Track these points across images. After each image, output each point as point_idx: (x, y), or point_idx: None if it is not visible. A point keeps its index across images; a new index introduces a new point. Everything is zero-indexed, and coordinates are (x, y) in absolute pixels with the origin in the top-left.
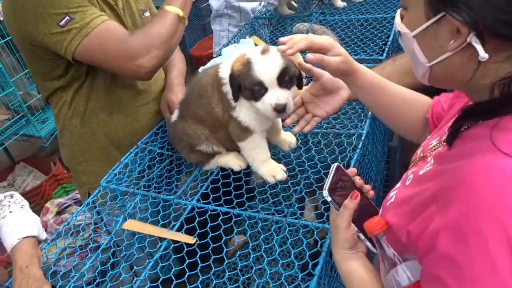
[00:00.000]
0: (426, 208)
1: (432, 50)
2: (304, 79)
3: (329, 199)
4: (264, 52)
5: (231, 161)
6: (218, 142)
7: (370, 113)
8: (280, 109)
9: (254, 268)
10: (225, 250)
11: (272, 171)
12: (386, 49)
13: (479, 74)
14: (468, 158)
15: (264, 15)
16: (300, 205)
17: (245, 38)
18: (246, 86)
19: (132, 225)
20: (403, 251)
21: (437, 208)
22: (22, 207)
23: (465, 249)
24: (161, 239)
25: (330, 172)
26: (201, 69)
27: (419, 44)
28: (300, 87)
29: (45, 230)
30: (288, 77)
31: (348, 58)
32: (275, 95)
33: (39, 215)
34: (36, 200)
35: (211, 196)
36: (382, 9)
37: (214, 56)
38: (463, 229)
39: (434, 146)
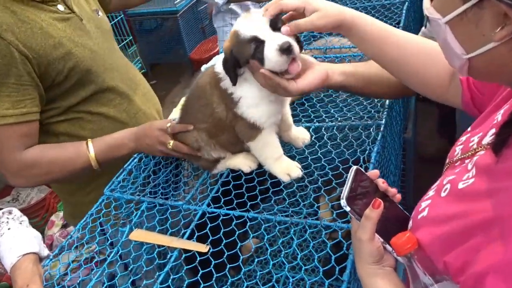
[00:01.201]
0: (469, 237)
1: (472, 39)
2: None
3: (348, 209)
4: (246, 16)
5: (240, 162)
6: (219, 147)
7: (387, 102)
8: (286, 48)
9: (274, 276)
10: (241, 257)
11: (286, 169)
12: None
13: None
14: None
15: None
16: (319, 204)
17: None
18: (244, 53)
19: (139, 235)
20: (437, 272)
21: (486, 240)
22: (21, 223)
23: None
24: (171, 249)
25: (348, 177)
26: (203, 67)
27: (453, 32)
28: (300, 46)
29: (51, 244)
30: (282, 25)
31: (330, 10)
32: (275, 38)
33: (44, 229)
34: (41, 214)
35: (222, 200)
36: None
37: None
38: None
39: (475, 147)
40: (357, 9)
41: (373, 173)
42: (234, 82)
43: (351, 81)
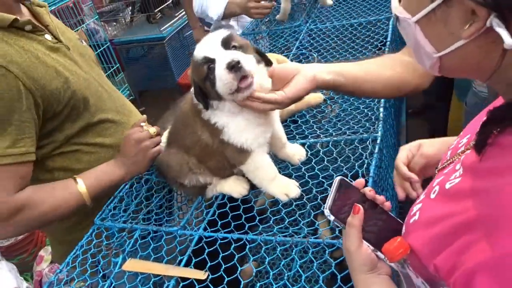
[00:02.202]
0: (456, 237)
1: (441, 37)
2: None
3: (331, 218)
4: (203, 40)
5: (231, 189)
6: (209, 172)
7: (381, 115)
8: (233, 66)
9: None
10: (242, 282)
11: (284, 188)
12: (386, 49)
13: (507, 63)
14: (509, 177)
15: (252, 31)
16: (319, 222)
17: None
18: (198, 76)
19: (133, 265)
20: (432, 279)
21: (473, 239)
22: None
23: None
24: (168, 278)
25: (331, 188)
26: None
27: (423, 31)
28: (267, 62)
29: (40, 280)
30: (236, 44)
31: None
32: (224, 57)
33: (32, 265)
34: (29, 249)
35: (219, 223)
36: (374, 12)
37: None
38: (509, 271)
39: (463, 149)
40: (343, 26)
41: (359, 182)
42: (206, 107)
43: (341, 80)
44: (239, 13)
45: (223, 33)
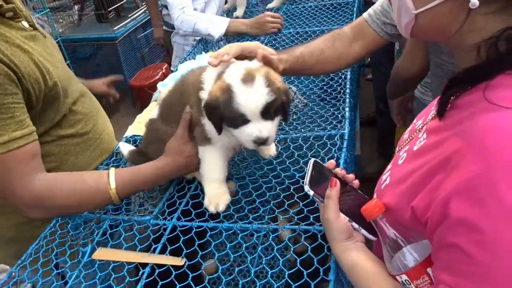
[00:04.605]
0: (430, 179)
1: None
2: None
3: (311, 193)
4: (247, 80)
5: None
6: None
7: (347, 113)
8: (260, 142)
9: (258, 285)
10: (220, 268)
11: (216, 198)
12: None
13: (467, 28)
14: (469, 120)
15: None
16: (296, 209)
17: (201, 54)
18: (226, 116)
19: (104, 254)
20: (406, 233)
21: (444, 175)
22: None
23: (483, 211)
24: (143, 265)
25: (308, 168)
26: (159, 84)
27: None
28: (285, 118)
29: None
30: (274, 110)
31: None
32: (257, 128)
33: None
34: None
35: (193, 213)
36: (335, 21)
37: (172, 69)
38: (477, 190)
39: (421, 127)
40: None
41: (330, 163)
42: (219, 131)
43: (297, 64)
44: (245, 31)
45: (266, 92)
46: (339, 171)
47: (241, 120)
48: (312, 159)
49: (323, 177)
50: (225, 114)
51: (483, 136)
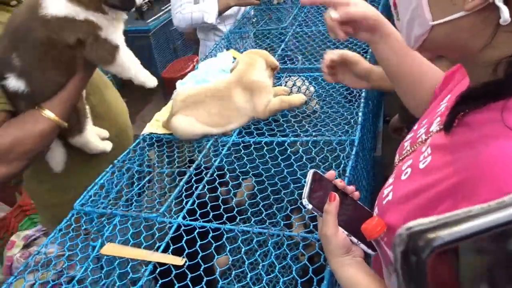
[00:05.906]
0: (438, 204)
1: (442, 6)
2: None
3: (310, 206)
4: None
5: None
6: None
7: (360, 119)
8: None
9: (265, 279)
10: (218, 270)
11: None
12: (368, 56)
13: (492, 45)
14: (483, 145)
15: (239, 30)
16: (296, 216)
17: (222, 51)
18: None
19: (111, 249)
20: None
21: (454, 202)
22: None
23: None
24: (146, 263)
25: (307, 180)
26: (178, 83)
27: None
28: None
29: (11, 265)
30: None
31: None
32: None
33: (3, 250)
34: (0, 234)
35: (198, 212)
36: None
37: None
38: None
39: (424, 137)
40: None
41: (330, 173)
42: None
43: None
44: (233, 4)
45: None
46: (339, 182)
47: None
48: (312, 170)
49: (322, 189)
50: None
51: (497, 164)
